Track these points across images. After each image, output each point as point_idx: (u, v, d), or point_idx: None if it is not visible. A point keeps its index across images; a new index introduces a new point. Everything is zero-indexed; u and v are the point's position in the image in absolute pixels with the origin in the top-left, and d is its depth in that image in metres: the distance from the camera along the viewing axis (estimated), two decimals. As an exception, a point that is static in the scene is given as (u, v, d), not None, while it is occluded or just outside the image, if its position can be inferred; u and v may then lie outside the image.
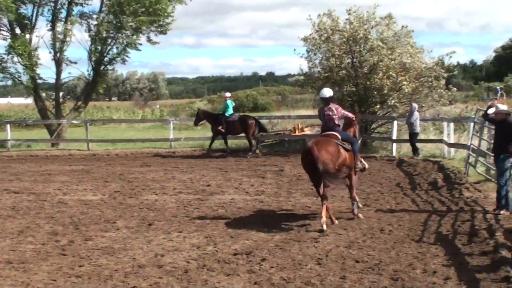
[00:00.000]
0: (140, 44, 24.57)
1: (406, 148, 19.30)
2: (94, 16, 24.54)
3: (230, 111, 19.98)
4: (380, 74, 20.01)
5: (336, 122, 9.94)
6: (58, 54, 24.50)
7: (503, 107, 9.95)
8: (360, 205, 10.38)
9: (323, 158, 9.07)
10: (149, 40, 24.60)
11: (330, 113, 9.89)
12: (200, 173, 15.68)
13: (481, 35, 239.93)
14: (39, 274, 7.00)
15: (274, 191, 12.82)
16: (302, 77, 23.56)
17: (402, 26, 20.96)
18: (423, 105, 21.15)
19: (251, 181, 14.24)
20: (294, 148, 21.35)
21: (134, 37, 24.19)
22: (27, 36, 24.00)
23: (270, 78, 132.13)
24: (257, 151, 19.50)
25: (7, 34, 24.20)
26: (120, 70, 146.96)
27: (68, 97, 35.03)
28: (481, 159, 13.57)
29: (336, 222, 9.37)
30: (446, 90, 20.71)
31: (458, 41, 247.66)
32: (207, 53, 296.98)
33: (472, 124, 14.82)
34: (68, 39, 24.22)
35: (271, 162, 17.73)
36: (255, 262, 7.26)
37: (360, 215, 9.76)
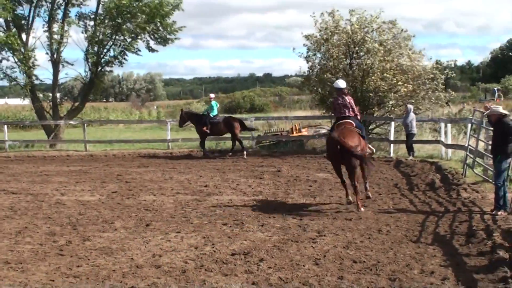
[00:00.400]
0: (139, 50, 24.58)
1: (404, 149, 19.33)
2: (92, 17, 24.51)
3: (215, 112, 20.00)
4: (374, 76, 20.05)
5: (350, 111, 11.13)
6: (55, 55, 24.42)
7: (496, 107, 10.01)
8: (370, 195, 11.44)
9: (351, 145, 10.27)
10: (148, 47, 24.61)
11: (346, 102, 11.11)
12: (198, 174, 15.69)
13: (478, 36, 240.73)
14: (37, 274, 6.99)
15: (271, 191, 12.83)
16: (301, 78, 23.55)
17: (402, 30, 21.01)
18: (420, 107, 21.18)
19: (249, 181, 14.24)
20: (291, 149, 21.38)
21: (132, 41, 24.12)
22: (24, 36, 23.94)
23: (268, 79, 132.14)
24: (244, 153, 19.50)
25: (3, 34, 24.08)
26: (117, 71, 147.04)
27: (66, 98, 34.85)
28: (478, 160, 13.60)
29: (362, 209, 10.31)
30: (443, 92, 20.74)
31: (455, 42, 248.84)
32: (204, 54, 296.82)
33: (469, 125, 14.86)
34: (64, 40, 24.19)
35: (269, 163, 17.73)
36: (253, 263, 7.26)
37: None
